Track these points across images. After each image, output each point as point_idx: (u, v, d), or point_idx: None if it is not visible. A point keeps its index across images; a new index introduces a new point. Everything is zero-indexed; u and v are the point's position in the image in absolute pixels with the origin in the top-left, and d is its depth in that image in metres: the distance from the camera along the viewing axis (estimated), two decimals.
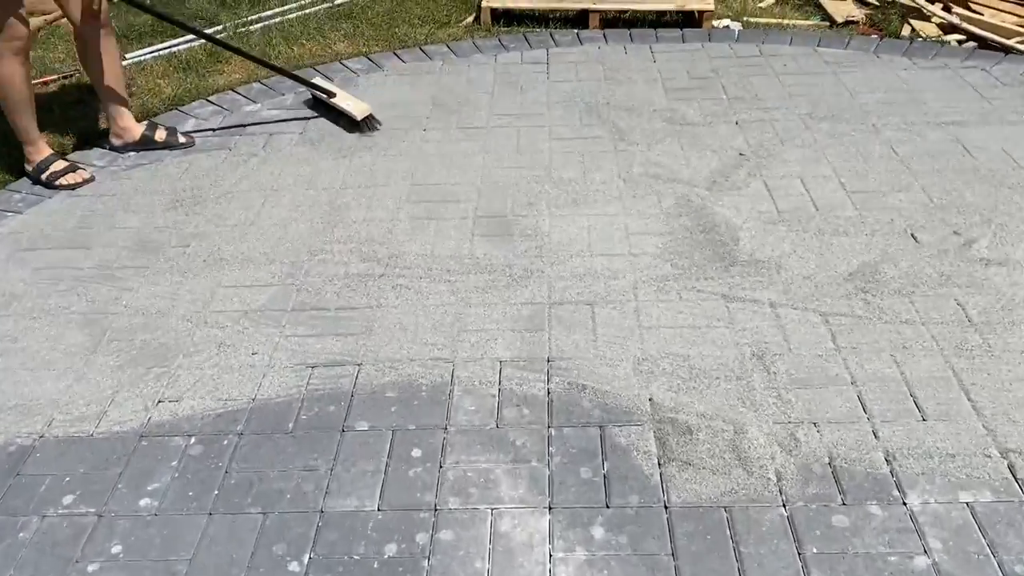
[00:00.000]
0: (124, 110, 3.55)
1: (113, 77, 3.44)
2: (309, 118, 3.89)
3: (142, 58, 4.61)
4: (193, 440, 2.23)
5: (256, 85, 4.23)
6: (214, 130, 3.82)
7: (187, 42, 4.80)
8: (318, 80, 3.96)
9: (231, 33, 4.87)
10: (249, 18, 5.10)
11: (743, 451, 2.08)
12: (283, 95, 4.11)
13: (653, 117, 3.73)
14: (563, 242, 2.91)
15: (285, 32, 4.90)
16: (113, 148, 3.62)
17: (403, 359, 2.45)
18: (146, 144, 3.60)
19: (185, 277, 2.85)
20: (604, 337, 2.48)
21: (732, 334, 2.47)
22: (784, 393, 2.25)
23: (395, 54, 4.55)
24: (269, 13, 5.18)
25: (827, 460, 2.06)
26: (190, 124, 3.87)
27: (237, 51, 3.79)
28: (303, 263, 2.88)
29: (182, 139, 3.66)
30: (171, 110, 4.04)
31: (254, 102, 4.07)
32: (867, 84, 3.94)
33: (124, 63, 4.52)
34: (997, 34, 4.59)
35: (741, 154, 3.39)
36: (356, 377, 2.40)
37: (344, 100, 3.80)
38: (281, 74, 3.84)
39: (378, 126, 3.73)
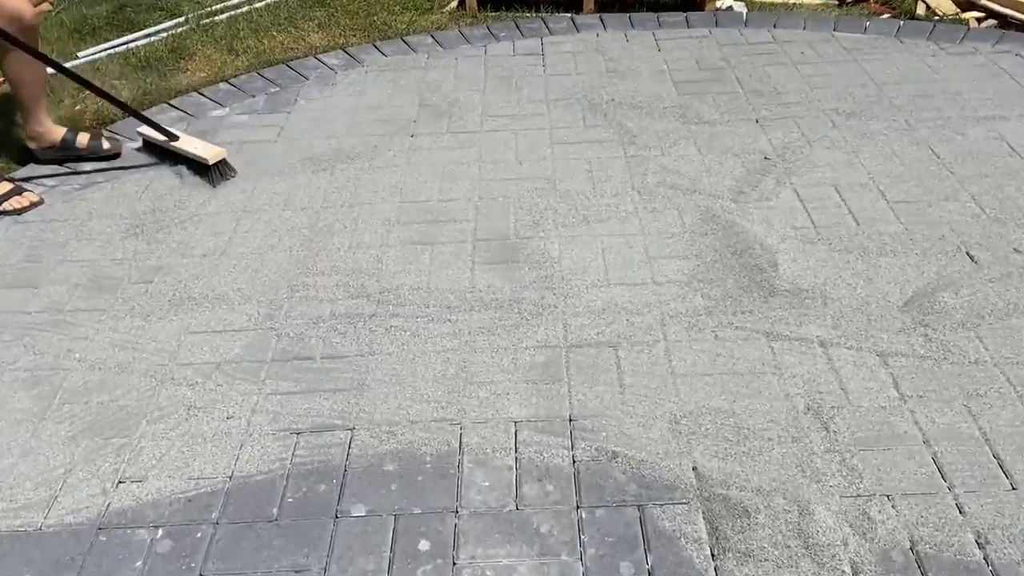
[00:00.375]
0: (43, 112, 3.17)
1: (35, 77, 3.05)
2: (282, 126, 3.49)
3: (96, 56, 4.18)
4: (160, 533, 1.89)
5: (223, 86, 3.84)
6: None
7: (145, 36, 4.38)
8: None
9: (194, 25, 4.46)
10: (213, 7, 4.68)
11: (810, 536, 1.76)
12: (253, 97, 3.72)
13: (664, 115, 3.38)
14: (576, 269, 2.57)
15: (253, 22, 4.50)
16: (32, 154, 3.24)
17: (402, 421, 2.11)
18: (67, 149, 3.23)
19: (148, 321, 2.49)
20: (633, 388, 2.15)
21: (780, 382, 2.14)
22: (848, 457, 1.94)
23: (375, 46, 4.17)
24: (236, 1, 4.76)
25: (908, 545, 1.75)
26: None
27: (83, 81, 3.09)
28: (283, 301, 2.53)
29: (106, 144, 3.27)
30: (129, 116, 3.63)
31: (221, 105, 3.68)
32: (893, 73, 3.61)
33: (76, 62, 4.11)
34: (1019, 11, 4.26)
35: (766, 158, 3.06)
36: (349, 446, 2.06)
37: (189, 144, 3.16)
38: (122, 108, 3.20)
39: (232, 174, 3.15)
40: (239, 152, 3.30)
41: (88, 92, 3.69)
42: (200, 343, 2.40)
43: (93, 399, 2.24)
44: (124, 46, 4.30)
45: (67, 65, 4.05)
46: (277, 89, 3.79)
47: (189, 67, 4.06)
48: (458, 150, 3.25)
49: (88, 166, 3.28)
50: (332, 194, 3.02)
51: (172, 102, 3.73)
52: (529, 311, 2.43)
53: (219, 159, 3.11)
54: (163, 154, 3.28)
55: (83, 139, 3.25)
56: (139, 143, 3.37)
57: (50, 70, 3.07)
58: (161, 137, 3.21)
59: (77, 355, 2.39)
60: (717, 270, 2.53)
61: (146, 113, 3.64)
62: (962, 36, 3.91)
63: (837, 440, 1.99)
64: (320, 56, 4.08)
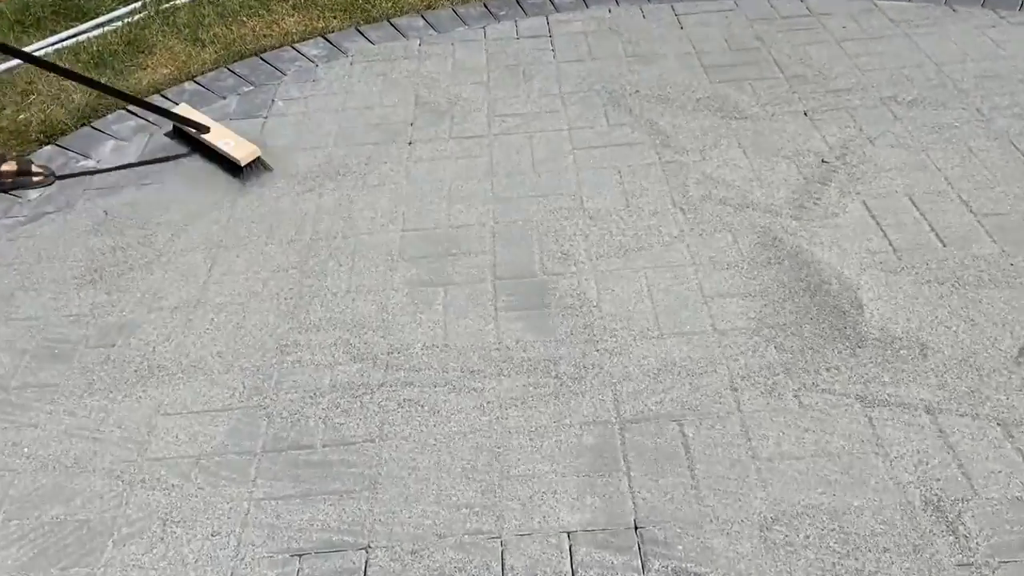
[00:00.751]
0: None
1: None
2: (258, 135, 3.03)
3: (42, 52, 3.67)
4: None
5: (188, 85, 3.35)
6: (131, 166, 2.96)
7: (97, 26, 3.86)
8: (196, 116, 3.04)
9: (153, 11, 3.94)
10: None
11: None
12: (223, 99, 3.25)
13: (698, 109, 2.94)
14: (620, 315, 2.16)
15: (220, 6, 3.98)
16: None
17: (427, 535, 1.71)
18: None
19: (111, 400, 2.06)
20: (707, 480, 1.75)
21: (887, 466, 1.75)
22: (989, 574, 1.55)
23: (359, 31, 3.67)
24: None
25: None
26: (108, 147, 3.01)
27: (64, 72, 2.66)
28: (272, 368, 2.10)
29: (37, 174, 2.81)
30: (82, 126, 3.16)
31: None
32: (952, 50, 3.17)
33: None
34: None
35: (824, 161, 2.64)
36: (364, 572, 1.65)
37: (221, 137, 2.87)
38: (130, 102, 2.87)
39: (267, 170, 2.83)
40: (209, 172, 2.84)
41: (32, 99, 3.22)
42: (175, 429, 1.98)
43: (46, 512, 1.83)
44: (73, 39, 3.79)
45: (8, 64, 3.56)
46: (250, 88, 3.31)
47: (149, 63, 3.57)
48: (465, 160, 2.80)
49: (34, 192, 2.81)
50: (322, 222, 2.58)
51: (131, 107, 3.24)
52: (569, 374, 2.02)
53: (253, 158, 2.79)
54: (197, 146, 2.98)
55: (8, 167, 2.78)
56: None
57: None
58: (190, 129, 2.92)
59: (26, 449, 1.97)
60: (789, 312, 2.12)
61: (99, 123, 3.17)
62: (1022, 2, 3.46)
63: (970, 548, 1.60)
64: (298, 45, 3.59)
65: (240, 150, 2.79)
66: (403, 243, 2.47)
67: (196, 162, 2.88)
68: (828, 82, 3.05)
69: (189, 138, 2.98)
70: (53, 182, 2.85)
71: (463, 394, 2.00)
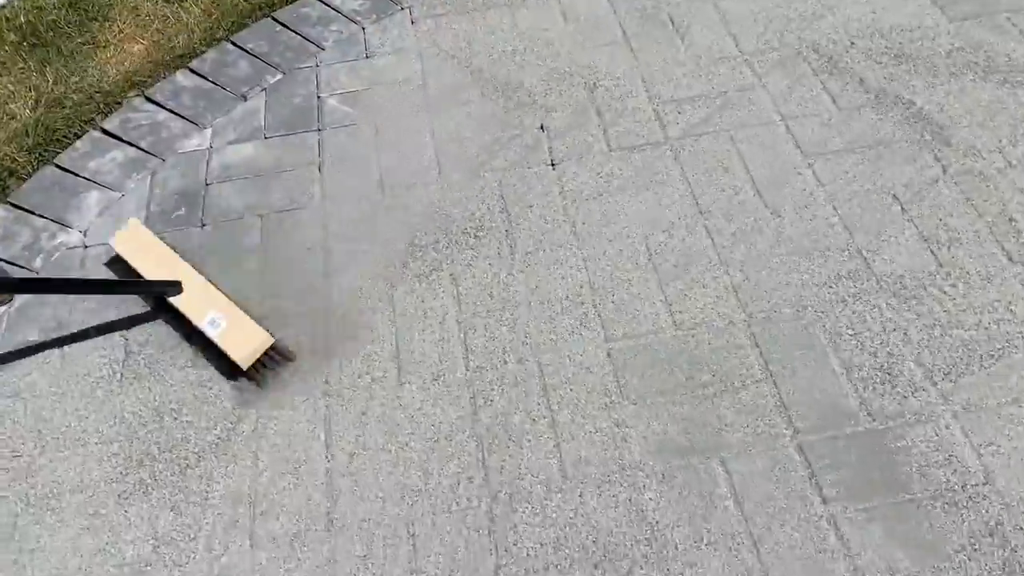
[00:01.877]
0: None
1: None
2: (318, 164, 2.03)
3: None
4: None
5: (182, 77, 2.30)
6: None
7: None
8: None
9: None
10: None
11: None
12: (244, 100, 2.22)
13: (958, 72, 2.02)
14: None
15: None
16: None
17: None
18: None
19: None
20: None
21: None
22: None
23: None
24: None
25: None
26: (92, 203, 2.00)
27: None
28: None
29: None
30: (41, 164, 2.11)
31: (194, 124, 2.17)
32: None
33: None
34: None
35: None
36: None
37: (197, 308, 1.68)
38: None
39: (288, 360, 1.68)
40: (267, 238, 1.86)
41: None
42: None
43: None
44: None
45: None
46: (278, 76, 2.26)
47: (108, 37, 2.45)
48: (648, 191, 1.86)
49: None
50: (475, 332, 1.67)
51: (105, 125, 2.18)
52: None
53: (261, 353, 1.63)
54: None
55: None
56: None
57: None
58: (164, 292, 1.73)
59: None
60: None
61: (69, 157, 2.15)
62: None
63: None
64: None
65: (239, 346, 1.62)
66: (616, 367, 1.58)
67: (237, 227, 1.89)
68: None
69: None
70: (9, 300, 1.85)
71: None
